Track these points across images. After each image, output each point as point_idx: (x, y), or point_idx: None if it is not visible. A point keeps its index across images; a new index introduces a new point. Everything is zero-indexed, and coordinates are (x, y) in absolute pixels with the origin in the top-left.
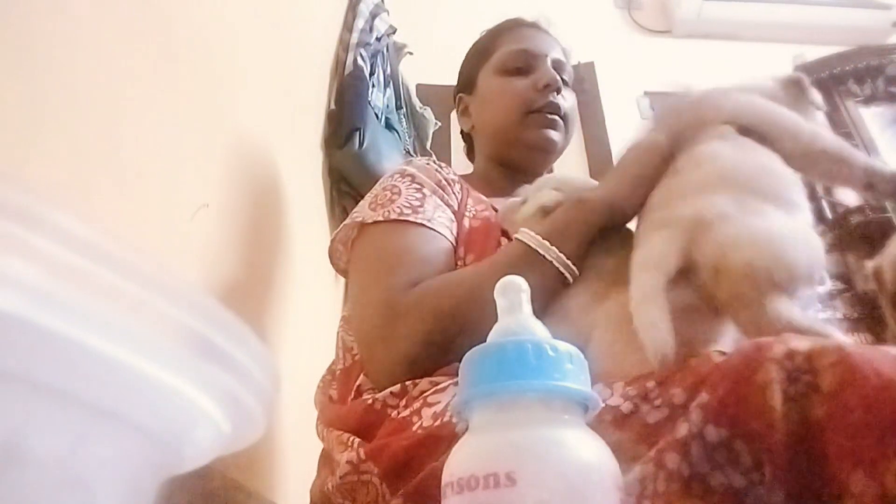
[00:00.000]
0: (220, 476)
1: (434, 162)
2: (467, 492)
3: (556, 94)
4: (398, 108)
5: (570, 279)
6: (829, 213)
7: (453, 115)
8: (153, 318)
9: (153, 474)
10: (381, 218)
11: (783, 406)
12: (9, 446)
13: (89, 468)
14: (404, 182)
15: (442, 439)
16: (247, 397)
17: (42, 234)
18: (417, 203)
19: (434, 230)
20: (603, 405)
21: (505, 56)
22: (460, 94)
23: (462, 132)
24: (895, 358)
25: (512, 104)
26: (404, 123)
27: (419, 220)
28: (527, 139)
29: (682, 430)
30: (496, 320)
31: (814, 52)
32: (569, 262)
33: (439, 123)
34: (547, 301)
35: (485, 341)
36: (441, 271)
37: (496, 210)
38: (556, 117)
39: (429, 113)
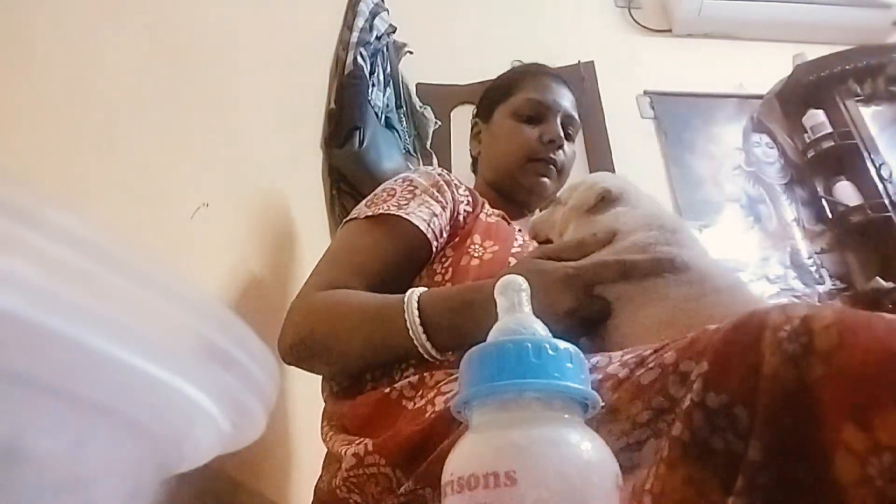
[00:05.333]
0: (220, 476)
1: (439, 170)
2: (467, 491)
3: (557, 149)
4: (398, 107)
5: (433, 359)
6: (829, 213)
7: (453, 114)
8: (153, 317)
9: (153, 474)
10: (371, 213)
11: (779, 368)
12: (9, 446)
13: (89, 468)
14: (403, 186)
15: (453, 419)
16: (247, 397)
17: (42, 234)
18: (405, 202)
19: (409, 221)
20: (603, 375)
21: (521, 102)
22: (476, 119)
23: (471, 153)
24: (889, 321)
25: (517, 149)
26: (404, 122)
27: (399, 213)
28: (523, 182)
29: (686, 401)
30: (350, 358)
31: (814, 52)
32: (430, 349)
33: (439, 122)
34: (400, 357)
35: (338, 367)
36: (390, 265)
37: (507, 221)
38: (553, 167)
39: (429, 112)
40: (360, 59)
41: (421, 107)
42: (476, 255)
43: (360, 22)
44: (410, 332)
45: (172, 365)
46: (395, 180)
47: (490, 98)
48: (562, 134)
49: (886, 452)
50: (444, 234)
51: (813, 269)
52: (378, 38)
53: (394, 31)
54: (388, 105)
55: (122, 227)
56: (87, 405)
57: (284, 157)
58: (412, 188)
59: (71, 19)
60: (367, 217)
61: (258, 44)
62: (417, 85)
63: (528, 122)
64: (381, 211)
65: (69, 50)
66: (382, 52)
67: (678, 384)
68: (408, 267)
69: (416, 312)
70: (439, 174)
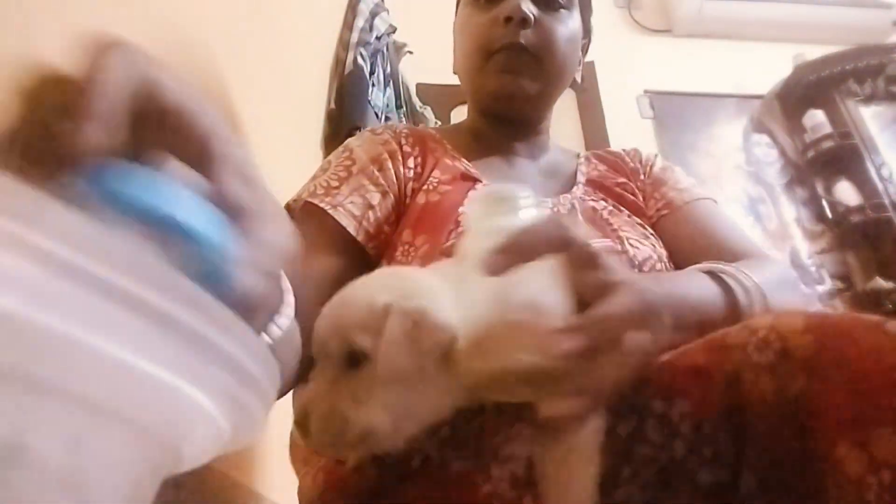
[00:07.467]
0: (220, 476)
1: (390, 130)
2: None
3: (522, 27)
4: (398, 107)
5: None
6: (829, 213)
7: (453, 113)
8: (153, 316)
9: (153, 474)
10: (306, 198)
11: (758, 383)
12: (9, 446)
13: (89, 468)
14: (342, 156)
15: (396, 470)
16: (247, 397)
17: (41, 233)
18: (336, 183)
19: (334, 218)
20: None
21: None
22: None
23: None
24: (866, 323)
25: (472, 44)
26: (404, 122)
27: (323, 205)
28: (487, 88)
29: (679, 449)
30: None
31: (814, 52)
32: None
33: (439, 122)
34: None
35: None
36: (328, 272)
37: (475, 180)
38: (522, 57)
39: (429, 112)
40: (360, 59)
41: (421, 107)
42: (404, 260)
43: (360, 22)
44: None
45: (172, 365)
46: (338, 148)
47: None
48: (525, 7)
49: (885, 470)
50: (387, 228)
51: (813, 269)
52: (378, 38)
53: (394, 31)
54: (388, 105)
55: None
56: (86, 405)
57: (284, 157)
58: (349, 163)
59: (71, 16)
60: (302, 204)
61: (258, 43)
62: (417, 85)
63: (486, 6)
64: (307, 198)
65: (68, 49)
66: (382, 52)
67: (657, 428)
68: (350, 274)
69: None
70: (384, 142)
